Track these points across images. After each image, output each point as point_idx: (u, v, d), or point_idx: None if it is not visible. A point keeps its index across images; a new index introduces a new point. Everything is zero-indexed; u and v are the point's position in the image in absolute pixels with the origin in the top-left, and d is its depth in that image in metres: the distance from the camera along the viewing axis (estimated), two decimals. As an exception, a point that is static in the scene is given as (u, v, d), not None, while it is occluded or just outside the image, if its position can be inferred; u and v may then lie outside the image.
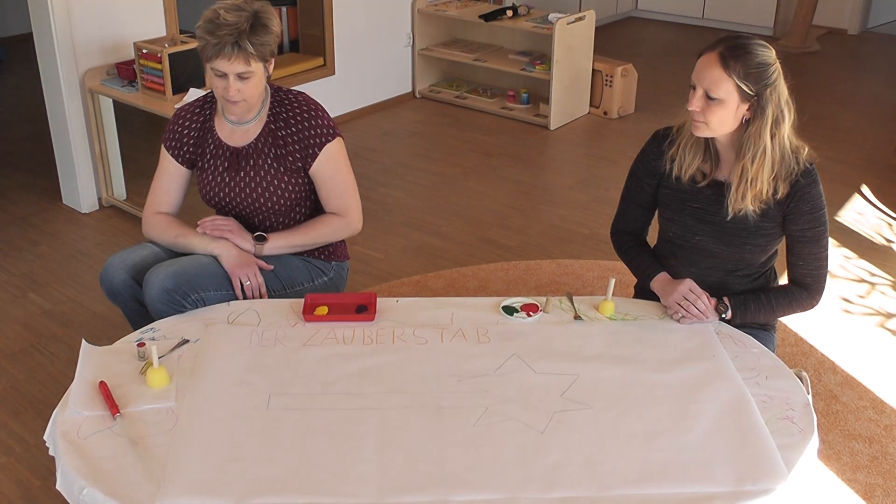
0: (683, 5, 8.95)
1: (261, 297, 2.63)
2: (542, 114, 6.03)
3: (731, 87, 2.26)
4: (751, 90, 2.27)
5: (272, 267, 2.68)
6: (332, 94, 5.88)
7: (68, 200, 4.74)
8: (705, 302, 2.44)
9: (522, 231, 4.49)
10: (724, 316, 2.46)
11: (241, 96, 2.58)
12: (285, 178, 2.71)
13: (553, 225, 4.53)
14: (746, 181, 2.35)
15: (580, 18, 5.90)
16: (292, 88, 2.79)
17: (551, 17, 5.89)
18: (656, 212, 2.66)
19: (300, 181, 2.74)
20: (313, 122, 2.70)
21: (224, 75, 2.55)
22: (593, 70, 6.15)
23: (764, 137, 2.30)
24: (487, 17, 6.14)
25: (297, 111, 2.71)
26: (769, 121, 2.29)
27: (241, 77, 2.55)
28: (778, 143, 2.32)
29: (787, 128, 2.32)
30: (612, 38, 8.27)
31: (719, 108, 2.29)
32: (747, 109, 2.30)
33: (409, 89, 6.58)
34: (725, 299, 2.47)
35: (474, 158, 5.48)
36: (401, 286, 3.89)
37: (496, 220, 4.62)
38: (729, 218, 2.43)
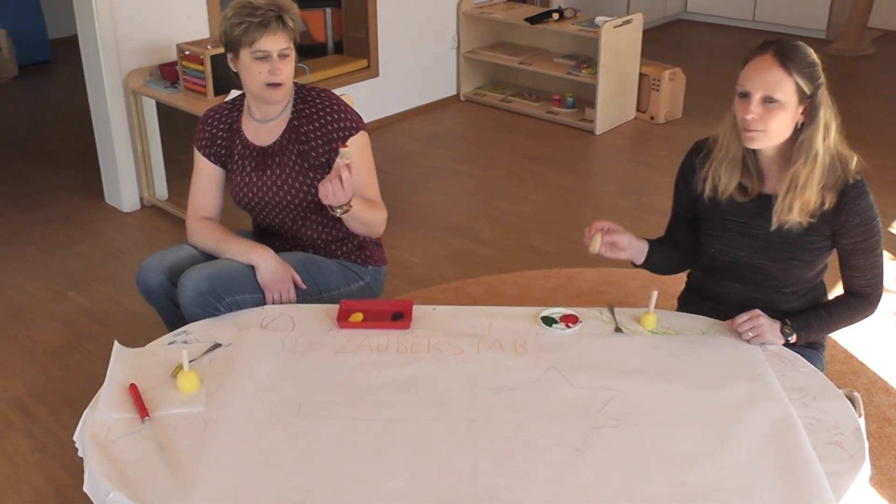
0: (733, 7, 8.81)
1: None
2: (588, 118, 5.96)
3: (792, 87, 2.19)
4: (808, 89, 2.20)
5: (305, 287, 2.65)
6: (376, 97, 5.86)
7: (110, 199, 4.77)
8: None
9: (565, 237, 4.42)
10: (790, 339, 2.36)
11: (284, 76, 2.58)
12: (310, 174, 2.67)
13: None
14: (796, 188, 2.26)
15: (627, 21, 5.81)
16: (314, 86, 2.78)
17: (598, 20, 5.82)
18: None
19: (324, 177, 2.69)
20: (336, 117, 2.67)
21: (266, 57, 2.54)
22: (640, 74, 6.06)
23: (816, 142, 2.23)
24: (533, 20, 6.08)
25: (320, 106, 2.68)
26: (821, 124, 2.23)
27: (282, 56, 2.56)
28: (828, 149, 2.25)
29: (835, 133, 2.26)
30: (659, 41, 8.16)
31: (780, 112, 2.21)
32: (801, 113, 2.23)
33: (454, 92, 6.55)
34: (788, 321, 2.37)
35: (518, 163, 5.43)
36: (440, 292, 3.85)
37: (538, 226, 4.56)
38: (773, 229, 2.34)
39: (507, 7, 6.49)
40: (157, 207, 4.72)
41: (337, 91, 4.65)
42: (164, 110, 4.61)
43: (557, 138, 5.86)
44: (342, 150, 2.35)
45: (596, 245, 2.44)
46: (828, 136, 2.24)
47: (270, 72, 2.56)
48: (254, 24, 2.51)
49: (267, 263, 2.57)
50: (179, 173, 4.79)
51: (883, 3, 8.23)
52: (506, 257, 4.21)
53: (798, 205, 2.27)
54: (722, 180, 2.38)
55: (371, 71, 5.82)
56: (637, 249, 2.52)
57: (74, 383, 3.26)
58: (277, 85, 2.59)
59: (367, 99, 5.60)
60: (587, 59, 6.11)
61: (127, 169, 4.63)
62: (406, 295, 3.80)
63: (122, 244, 4.36)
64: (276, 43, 2.54)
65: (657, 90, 6.02)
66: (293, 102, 2.71)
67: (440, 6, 6.21)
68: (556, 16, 6.11)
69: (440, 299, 3.77)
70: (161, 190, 4.74)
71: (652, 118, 6.10)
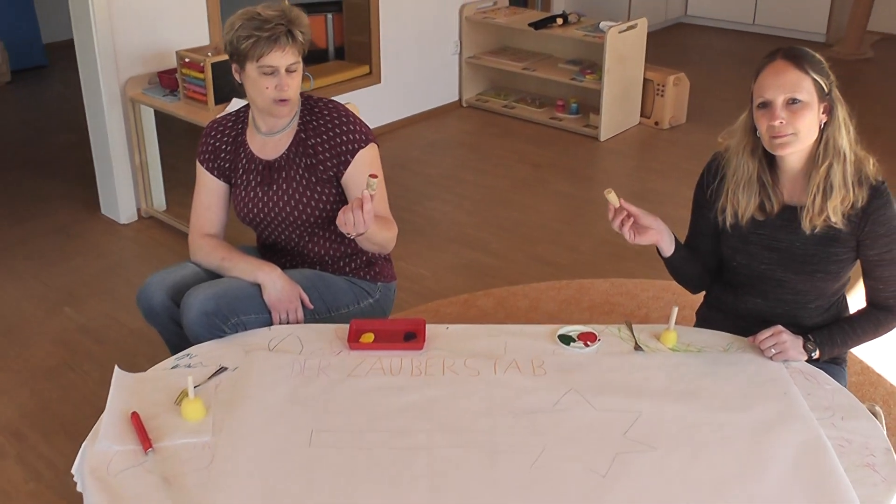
0: (734, 11, 8.76)
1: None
2: (592, 124, 5.88)
3: (811, 85, 2.17)
4: (826, 86, 2.18)
5: (312, 307, 2.57)
6: (378, 103, 5.78)
7: (107, 211, 4.67)
8: None
9: (573, 248, 4.33)
10: (813, 355, 2.29)
11: (291, 92, 2.51)
12: (318, 188, 2.59)
13: (605, 241, 4.37)
14: (824, 190, 2.21)
15: (632, 27, 5.73)
16: (322, 97, 2.69)
17: (602, 25, 5.73)
18: None
19: (333, 192, 2.61)
20: (345, 129, 2.58)
21: (273, 72, 2.46)
22: (644, 79, 5.98)
23: (841, 141, 2.20)
24: (537, 25, 6.00)
25: (328, 118, 2.60)
26: (841, 121, 2.21)
27: (289, 71, 2.48)
28: (851, 146, 2.23)
29: (854, 132, 2.24)
30: (660, 45, 8.06)
31: (806, 112, 2.17)
32: (823, 112, 2.20)
33: (456, 98, 6.47)
34: (811, 336, 2.30)
35: (522, 170, 5.34)
36: (448, 305, 3.76)
37: (546, 235, 4.47)
38: (808, 234, 2.27)
39: (510, 12, 6.40)
40: (155, 219, 4.62)
41: (339, 98, 4.57)
42: (162, 119, 4.52)
43: (562, 145, 5.77)
44: (370, 180, 2.24)
45: (615, 198, 2.29)
46: (848, 134, 2.23)
47: (277, 87, 2.47)
48: (263, 38, 2.43)
49: (274, 282, 2.48)
50: (178, 184, 4.70)
51: (883, 7, 8.16)
52: (515, 269, 4.13)
53: (830, 206, 2.22)
54: (741, 204, 2.33)
55: (373, 77, 5.74)
56: (665, 233, 2.39)
57: (70, 405, 3.15)
58: (284, 101, 2.50)
59: (368, 105, 5.51)
60: (591, 64, 6.03)
61: (124, 179, 4.53)
62: (413, 309, 3.70)
63: (120, 257, 4.26)
64: (284, 58, 2.46)
65: (661, 95, 5.94)
66: (300, 114, 2.62)
67: (442, 11, 6.13)
68: (559, 21, 6.03)
69: (449, 313, 3.68)
70: (159, 201, 4.65)
71: (656, 123, 6.02)
